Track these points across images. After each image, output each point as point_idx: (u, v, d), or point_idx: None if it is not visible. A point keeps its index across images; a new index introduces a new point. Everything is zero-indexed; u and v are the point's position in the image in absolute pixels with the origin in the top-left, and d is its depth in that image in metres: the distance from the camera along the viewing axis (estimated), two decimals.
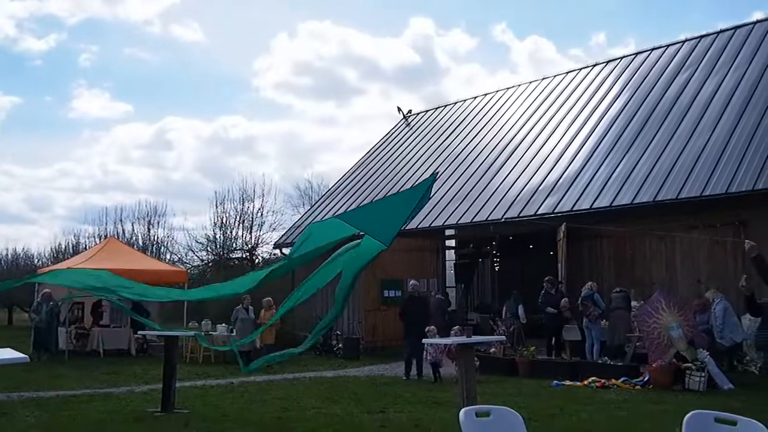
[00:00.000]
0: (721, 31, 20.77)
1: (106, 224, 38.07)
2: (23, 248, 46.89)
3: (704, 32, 21.35)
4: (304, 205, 39.39)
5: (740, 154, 14.75)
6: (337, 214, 23.35)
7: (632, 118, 18.82)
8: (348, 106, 69.32)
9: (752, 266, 7.18)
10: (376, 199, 22.83)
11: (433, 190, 18.51)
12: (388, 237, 4.83)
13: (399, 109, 29.93)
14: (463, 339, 7.29)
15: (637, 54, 22.78)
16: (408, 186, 22.19)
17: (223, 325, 17.98)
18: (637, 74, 21.27)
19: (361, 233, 5.62)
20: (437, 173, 4.91)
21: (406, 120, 29.07)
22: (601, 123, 19.60)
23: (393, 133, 28.65)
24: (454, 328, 12.95)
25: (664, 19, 71.72)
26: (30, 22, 72.49)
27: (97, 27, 72.02)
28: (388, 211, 4.89)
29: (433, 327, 13.19)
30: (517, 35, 75.56)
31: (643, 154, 16.87)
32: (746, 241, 7.19)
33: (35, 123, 70.75)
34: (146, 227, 37.90)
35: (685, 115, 17.49)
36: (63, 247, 39.71)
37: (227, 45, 74.27)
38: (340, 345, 18.14)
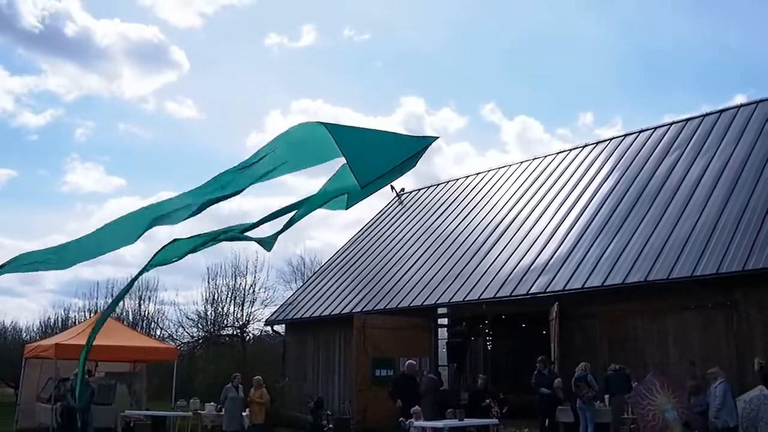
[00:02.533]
0: (707, 114, 21.30)
1: (97, 298, 37.77)
2: (11, 322, 46.23)
3: (688, 113, 21.96)
4: (296, 281, 39.26)
5: (729, 234, 14.91)
6: (330, 290, 23.39)
7: (622, 199, 19.07)
8: None
9: None
10: (370, 277, 22.85)
11: (425, 269, 18.44)
12: (368, 176, 4.17)
13: (392, 188, 30.15)
14: (454, 422, 7.21)
15: (625, 136, 23.24)
16: (399, 269, 22.23)
17: (212, 404, 17.69)
18: (626, 155, 21.66)
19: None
20: (439, 137, 4.27)
21: (399, 198, 29.33)
22: (591, 203, 19.85)
23: (385, 211, 28.87)
24: (448, 411, 12.78)
25: (648, 99, 73.52)
26: (28, 97, 73.78)
27: (93, 103, 73.32)
28: (378, 144, 4.27)
29: (418, 408, 12.98)
30: (506, 115, 77.15)
31: (633, 235, 17.02)
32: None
33: (28, 196, 71.10)
34: (137, 302, 37.65)
35: (674, 196, 17.75)
36: (52, 321, 39.30)
37: (221, 121, 75.45)
38: (331, 425, 17.81)
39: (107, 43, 68.39)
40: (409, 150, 4.17)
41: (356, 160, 4.01)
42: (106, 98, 72.05)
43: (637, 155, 21.22)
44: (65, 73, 68.41)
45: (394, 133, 4.28)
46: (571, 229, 18.96)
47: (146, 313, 37.57)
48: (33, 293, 67.92)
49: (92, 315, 30.72)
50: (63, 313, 39.39)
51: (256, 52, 75.12)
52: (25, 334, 40.63)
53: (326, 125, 4.03)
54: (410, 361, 15.55)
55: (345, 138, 4.01)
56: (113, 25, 69.48)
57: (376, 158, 4.07)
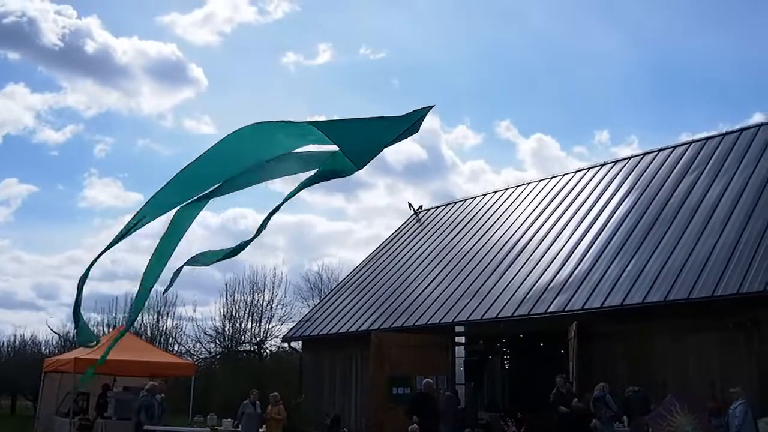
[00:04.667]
0: (727, 133, 21.19)
1: (116, 313, 37.93)
2: (31, 335, 46.60)
3: (704, 131, 21.88)
4: (313, 297, 39.26)
5: (750, 253, 14.78)
6: (347, 308, 23.41)
7: (641, 218, 18.99)
8: (355, 200, 70.12)
9: None
10: (387, 294, 22.84)
11: (443, 287, 18.36)
12: (363, 158, 4.15)
13: (410, 205, 30.24)
14: None
15: (644, 154, 23.14)
16: (417, 287, 22.20)
17: (229, 420, 17.72)
18: (645, 174, 21.56)
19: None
20: (434, 106, 4.15)
21: (417, 216, 29.35)
22: (610, 222, 19.77)
23: (403, 229, 28.89)
24: (466, 430, 12.71)
25: (664, 117, 73.15)
26: (48, 114, 74.99)
27: (112, 120, 74.28)
28: (370, 129, 4.25)
29: (416, 427, 12.76)
30: (522, 132, 77.20)
31: (653, 254, 16.93)
32: None
33: (48, 211, 72.08)
34: (155, 317, 37.77)
35: (693, 215, 17.64)
36: (71, 335, 39.49)
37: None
38: None
39: (126, 60, 69.30)
40: (402, 126, 4.11)
41: (349, 149, 3.99)
42: (125, 115, 73.12)
43: (656, 174, 21.12)
44: (85, 90, 69.51)
45: (381, 118, 4.21)
46: (590, 248, 18.88)
47: (164, 329, 37.67)
48: (51, 307, 68.61)
49: (111, 330, 30.89)
50: None
51: (273, 70, 75.84)
52: (44, 347, 40.87)
53: (312, 123, 4.00)
54: (427, 379, 15.51)
55: (334, 130, 3.99)
56: (132, 42, 70.48)
57: (368, 142, 4.04)
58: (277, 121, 4.13)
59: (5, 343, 43.29)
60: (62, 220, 72.13)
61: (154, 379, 20.54)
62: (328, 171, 4.49)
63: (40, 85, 75.62)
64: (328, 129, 3.95)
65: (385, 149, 4.26)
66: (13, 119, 71.75)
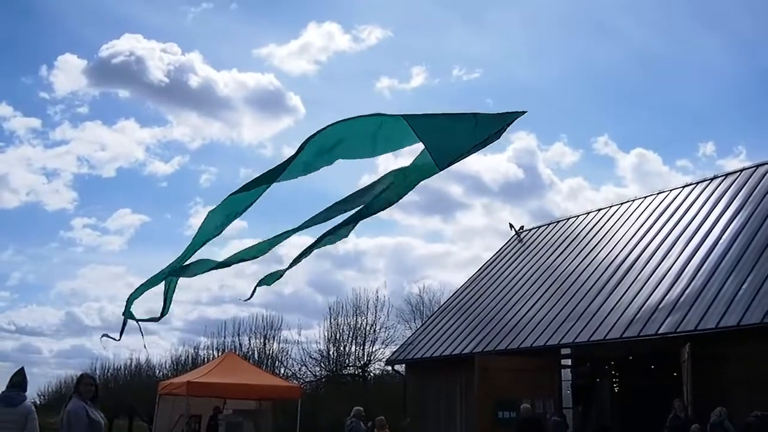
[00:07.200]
0: None
1: (224, 337, 39.15)
2: (146, 358, 48.88)
3: None
4: (415, 320, 39.23)
5: None
6: (450, 330, 23.28)
7: (757, 233, 18.06)
8: (453, 222, 69.94)
9: None
10: (491, 317, 22.61)
11: (547, 308, 18.02)
12: (446, 159, 4.01)
13: (511, 226, 29.86)
14: None
15: (757, 167, 22.06)
16: (520, 309, 21.86)
17: None
18: (759, 187, 20.53)
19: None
20: (526, 112, 3.97)
21: (519, 236, 28.98)
22: (723, 238, 18.89)
23: (504, 249, 28.58)
24: None
25: None
26: (157, 147, 79.07)
27: (215, 150, 77.48)
28: (457, 127, 4.06)
29: None
30: (621, 147, 75.19)
31: None
32: None
33: (157, 239, 75.70)
34: (262, 341, 38.70)
35: None
36: (182, 358, 41.04)
37: (335, 164, 77.50)
38: None
39: (227, 92, 72.26)
40: (490, 128, 4.01)
41: (433, 146, 3.93)
42: (228, 145, 76.15)
43: None
44: (189, 123, 73.06)
45: (473, 114, 4.12)
46: (702, 266, 18.08)
47: (270, 352, 38.57)
48: (163, 331, 71.77)
49: (220, 353, 31.83)
50: (192, 351, 41.14)
51: (369, 96, 77.03)
52: (158, 370, 42.64)
53: (401, 116, 3.98)
54: (524, 404, 15.19)
55: (421, 126, 3.95)
56: (232, 75, 73.36)
57: (454, 142, 3.96)
58: (371, 115, 4.19)
59: (122, 367, 45.53)
60: (171, 247, 75.60)
61: (262, 402, 21.07)
62: (412, 177, 4.50)
63: (149, 120, 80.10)
64: (415, 123, 3.94)
65: (469, 156, 4.21)
66: (125, 153, 76.22)
